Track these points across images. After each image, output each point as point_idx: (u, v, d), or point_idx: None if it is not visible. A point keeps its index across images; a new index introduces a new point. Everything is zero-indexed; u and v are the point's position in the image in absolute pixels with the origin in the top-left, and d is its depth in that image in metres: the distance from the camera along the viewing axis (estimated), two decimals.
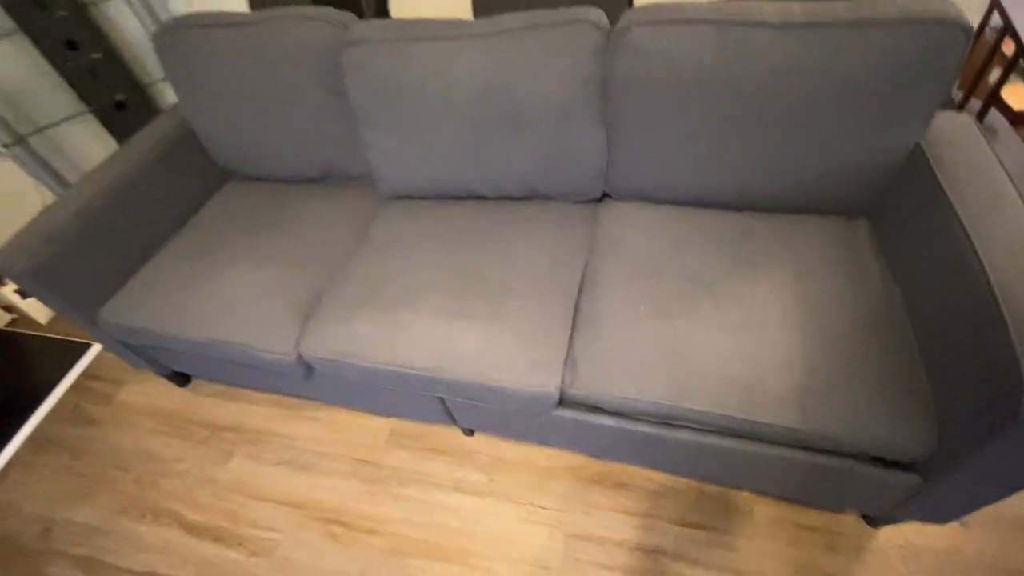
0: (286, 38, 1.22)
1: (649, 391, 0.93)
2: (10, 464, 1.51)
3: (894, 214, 1.05)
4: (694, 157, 1.10)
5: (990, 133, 1.50)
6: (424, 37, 1.12)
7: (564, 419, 1.06)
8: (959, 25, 0.87)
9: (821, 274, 1.03)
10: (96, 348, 1.76)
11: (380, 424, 1.44)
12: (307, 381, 1.25)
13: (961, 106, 1.47)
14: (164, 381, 1.62)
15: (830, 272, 1.03)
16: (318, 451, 1.41)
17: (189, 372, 1.50)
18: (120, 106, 2.05)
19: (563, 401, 1.04)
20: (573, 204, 1.30)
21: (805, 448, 0.93)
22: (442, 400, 1.17)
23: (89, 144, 2.13)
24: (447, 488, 1.30)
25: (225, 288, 1.22)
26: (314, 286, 1.23)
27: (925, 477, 0.88)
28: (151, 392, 1.61)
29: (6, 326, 1.88)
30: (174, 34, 1.32)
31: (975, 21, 1.48)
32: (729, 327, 0.96)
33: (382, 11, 1.70)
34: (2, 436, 1.56)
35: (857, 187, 1.06)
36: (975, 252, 0.80)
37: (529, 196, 1.31)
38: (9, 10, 1.72)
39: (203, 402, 1.56)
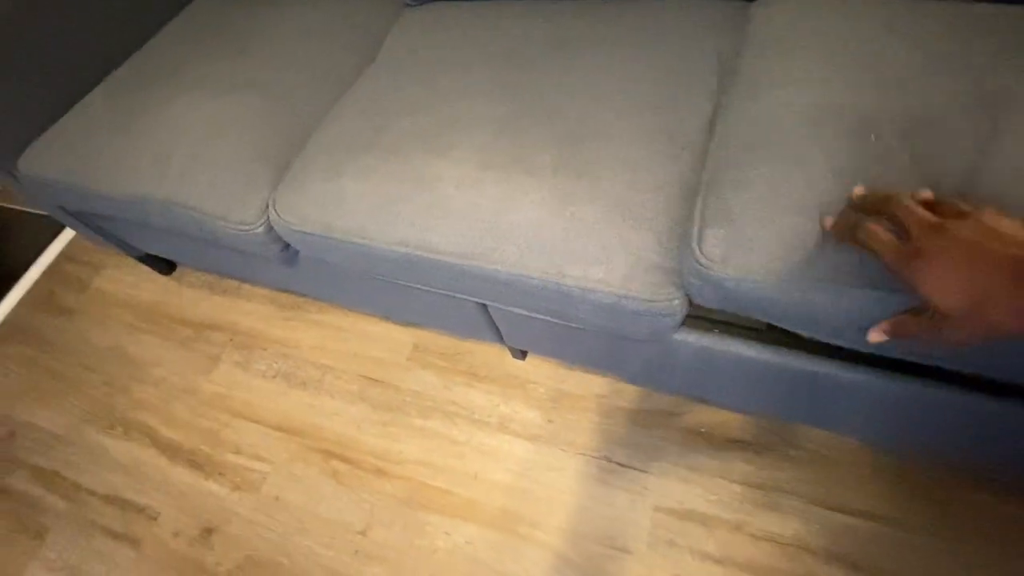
0: None
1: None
2: None
3: None
4: None
5: None
6: None
7: (686, 347, 0.65)
8: None
9: None
10: None
11: (402, 335, 1.08)
12: (292, 269, 0.87)
13: None
14: (144, 269, 1.30)
15: None
16: (321, 364, 1.08)
17: (164, 254, 1.17)
18: None
19: (690, 317, 0.62)
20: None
21: None
22: (484, 307, 0.77)
23: None
24: (488, 426, 0.95)
25: (169, 125, 0.82)
26: (298, 124, 0.81)
27: None
28: (129, 280, 1.31)
29: None
30: None
31: None
32: None
33: None
34: None
35: None
36: None
37: None
38: None
39: (187, 294, 1.25)
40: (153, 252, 1.18)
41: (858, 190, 0.45)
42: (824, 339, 0.54)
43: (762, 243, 0.50)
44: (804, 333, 0.54)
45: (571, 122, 0.67)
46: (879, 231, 0.38)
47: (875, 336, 0.41)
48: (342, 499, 0.93)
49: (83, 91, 0.99)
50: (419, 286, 0.72)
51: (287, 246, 0.78)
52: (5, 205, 1.57)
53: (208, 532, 0.94)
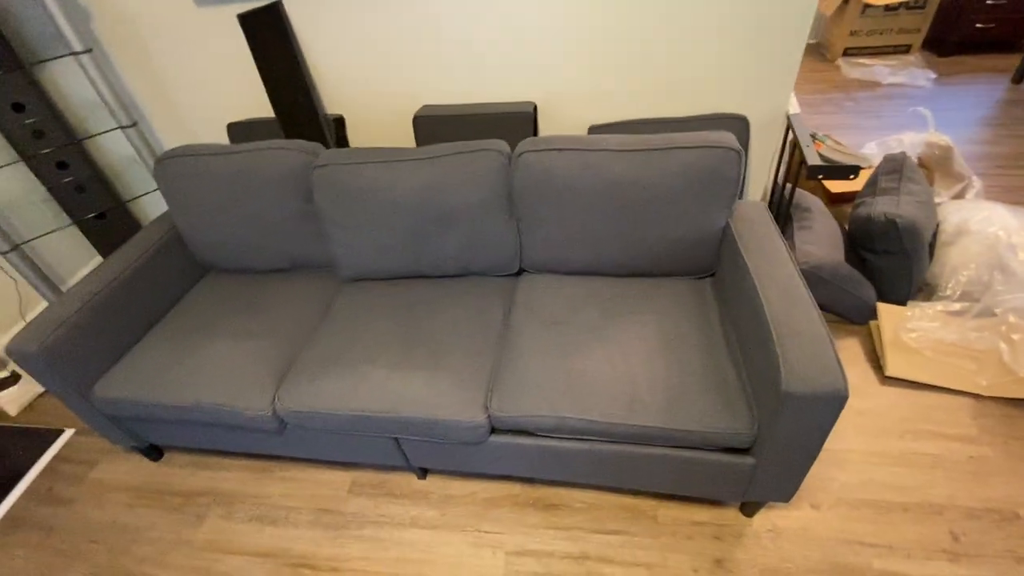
0: (267, 162, 1.57)
1: (557, 408, 1.22)
2: None
3: (723, 273, 1.46)
4: (579, 241, 1.49)
5: (806, 211, 2.02)
6: (373, 160, 1.51)
7: (498, 444, 1.33)
8: (733, 149, 1.33)
9: (676, 318, 1.40)
10: (69, 433, 1.88)
11: (342, 477, 1.63)
12: (280, 437, 1.46)
13: (783, 190, 1.98)
14: (137, 458, 1.76)
15: (682, 316, 1.40)
16: (286, 506, 1.58)
17: (167, 443, 1.66)
18: (101, 216, 2.31)
19: (495, 429, 1.32)
20: (498, 277, 1.66)
21: (674, 446, 1.23)
22: (396, 441, 1.42)
23: (70, 250, 2.37)
24: (403, 525, 1.50)
25: (208, 359, 1.46)
26: (287, 353, 1.48)
27: (756, 457, 1.20)
28: (123, 469, 1.74)
29: None
30: (171, 162, 1.65)
31: (780, 130, 2.03)
32: (612, 360, 1.30)
33: (342, 142, 2.12)
34: None
35: (694, 256, 1.48)
36: (758, 292, 1.20)
37: (463, 273, 1.66)
38: (10, 138, 2.02)
39: (176, 473, 1.71)
40: (156, 442, 1.66)
41: None
42: (562, 436, 1.27)
43: (516, 401, 1.25)
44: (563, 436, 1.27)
45: (435, 342, 1.43)
46: None
47: None
48: None
49: (133, 341, 1.60)
50: (361, 433, 1.36)
51: (283, 422, 1.39)
52: (1, 424, 1.95)
53: None
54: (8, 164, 1.96)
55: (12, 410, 1.98)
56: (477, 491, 1.56)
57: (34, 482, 1.74)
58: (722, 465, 1.24)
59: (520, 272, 1.68)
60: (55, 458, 1.81)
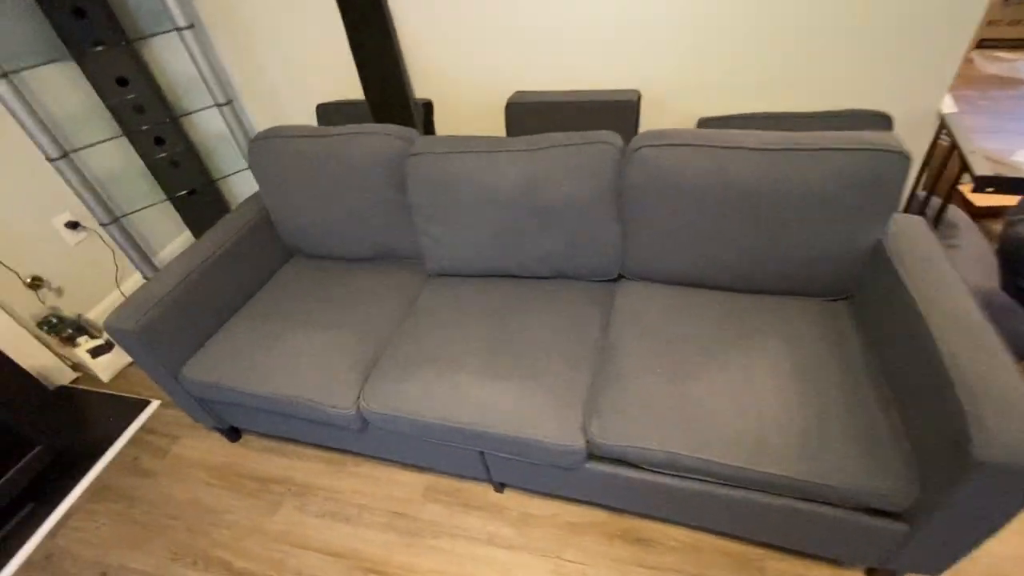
0: (361, 147, 1.50)
1: (668, 442, 1.08)
2: (70, 512, 1.62)
3: (867, 296, 1.25)
4: (694, 249, 1.32)
5: (952, 227, 1.74)
6: (473, 150, 1.40)
7: (594, 472, 1.20)
8: (903, 153, 1.11)
9: (809, 345, 1.21)
10: (155, 404, 1.93)
11: (417, 479, 1.56)
12: (359, 434, 1.40)
13: (925, 203, 1.72)
14: (216, 436, 1.76)
15: (817, 343, 1.21)
16: (359, 504, 1.52)
17: (247, 427, 1.65)
18: (192, 193, 2.35)
19: (592, 454, 1.19)
20: (592, 283, 1.51)
21: (804, 499, 1.06)
22: (482, 454, 1.32)
23: (160, 224, 2.44)
24: (479, 541, 1.41)
25: (293, 349, 1.41)
26: (370, 348, 1.41)
27: (911, 525, 1.01)
28: (203, 446, 1.75)
29: (71, 383, 2.06)
30: (264, 142, 1.61)
31: (929, 132, 1.76)
32: (734, 390, 1.13)
33: (428, 128, 2.03)
34: (64, 485, 1.68)
35: (832, 275, 1.27)
36: (928, 326, 0.99)
37: (555, 276, 1.53)
38: (114, 112, 2.06)
39: (253, 456, 1.70)
40: (237, 425, 1.65)
41: None
42: (670, 472, 1.12)
43: (620, 428, 1.11)
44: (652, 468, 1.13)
45: (527, 349, 1.31)
46: None
47: None
48: None
49: (220, 323, 1.58)
50: (447, 442, 1.27)
51: (366, 421, 1.33)
52: (92, 389, 2.02)
53: None
54: (111, 138, 2.00)
55: (105, 376, 2.05)
56: (559, 513, 1.44)
57: (122, 450, 1.79)
58: (863, 528, 1.05)
59: (618, 278, 1.53)
60: (141, 428, 1.85)
